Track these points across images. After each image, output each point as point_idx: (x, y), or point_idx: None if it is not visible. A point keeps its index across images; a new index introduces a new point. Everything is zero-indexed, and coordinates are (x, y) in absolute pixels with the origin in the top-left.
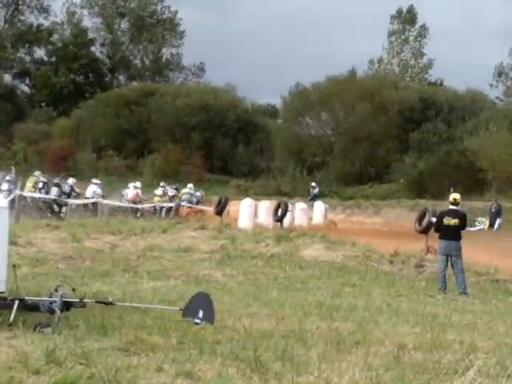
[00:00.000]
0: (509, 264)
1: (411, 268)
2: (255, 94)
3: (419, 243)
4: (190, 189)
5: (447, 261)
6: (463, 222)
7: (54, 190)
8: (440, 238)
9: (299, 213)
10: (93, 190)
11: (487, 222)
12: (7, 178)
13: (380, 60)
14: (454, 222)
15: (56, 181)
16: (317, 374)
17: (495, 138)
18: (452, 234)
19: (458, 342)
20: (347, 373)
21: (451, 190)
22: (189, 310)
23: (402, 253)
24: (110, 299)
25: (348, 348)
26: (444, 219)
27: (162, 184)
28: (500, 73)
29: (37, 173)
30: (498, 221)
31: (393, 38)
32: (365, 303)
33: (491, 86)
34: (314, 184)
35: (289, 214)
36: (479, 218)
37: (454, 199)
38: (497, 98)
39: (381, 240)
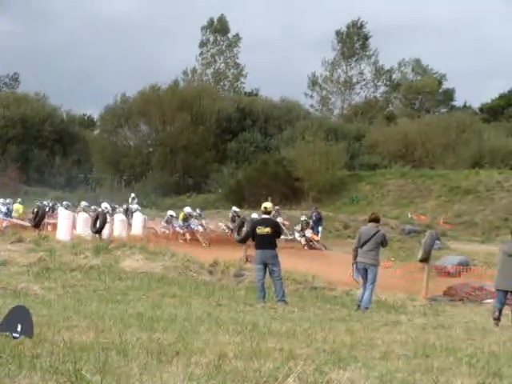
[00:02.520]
0: (326, 271)
1: (231, 277)
2: (73, 106)
3: (239, 252)
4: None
5: (264, 269)
6: (276, 230)
7: None
8: (255, 247)
9: (118, 224)
10: None
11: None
12: None
13: (193, 70)
14: (266, 230)
15: None
16: None
17: (311, 148)
18: (266, 243)
19: (278, 350)
20: (169, 383)
21: (269, 199)
22: (6, 325)
23: (221, 262)
24: None
25: (169, 358)
26: (257, 228)
27: None
28: (314, 83)
29: None
30: (319, 229)
31: (204, 49)
32: (185, 313)
33: (306, 95)
34: (133, 195)
35: (107, 226)
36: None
37: (265, 208)
38: (311, 106)
39: (200, 250)
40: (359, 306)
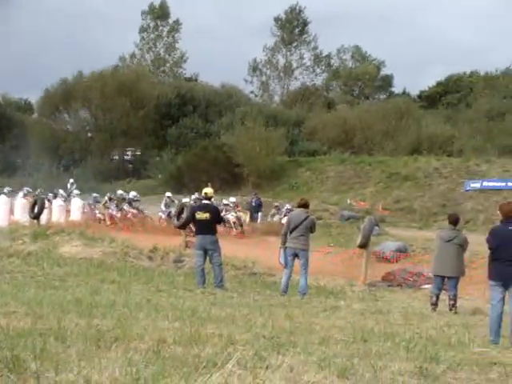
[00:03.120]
0: (266, 257)
1: (170, 263)
2: (10, 90)
3: (178, 238)
4: None
5: (205, 255)
6: (215, 215)
7: None
8: (196, 233)
9: (57, 209)
10: None
11: (247, 217)
12: None
13: (132, 56)
14: (205, 216)
15: None
16: (76, 371)
17: (251, 133)
18: (206, 229)
19: (217, 335)
20: (107, 369)
21: (209, 184)
22: None
23: (161, 248)
24: None
25: (108, 345)
26: (196, 214)
27: None
28: (254, 68)
29: None
30: (259, 214)
31: (145, 34)
32: (124, 299)
33: (246, 81)
34: (72, 181)
35: (46, 211)
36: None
37: (206, 193)
38: (251, 92)
39: (140, 236)
40: (284, 294)
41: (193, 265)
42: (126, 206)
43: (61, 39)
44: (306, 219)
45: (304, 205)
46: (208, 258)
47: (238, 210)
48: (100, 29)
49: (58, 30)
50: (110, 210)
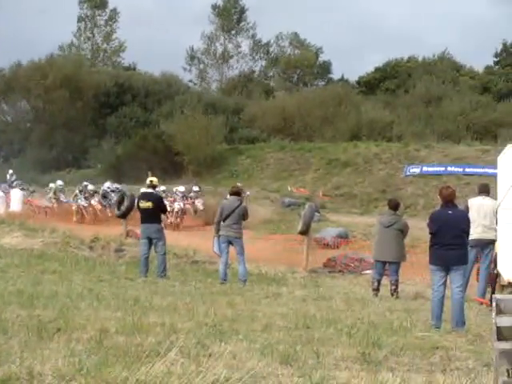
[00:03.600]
0: (206, 246)
1: (111, 253)
2: None
3: (119, 228)
4: None
5: (149, 244)
6: (158, 204)
7: None
8: (140, 221)
9: None
10: None
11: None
12: None
13: (71, 45)
14: (147, 204)
15: None
16: (19, 362)
17: (190, 122)
18: (149, 218)
19: (160, 325)
20: (50, 360)
21: (149, 173)
22: None
23: (102, 238)
24: None
25: (50, 335)
26: (139, 203)
27: None
28: (192, 57)
29: None
30: (200, 202)
31: (82, 24)
32: (66, 290)
33: (184, 69)
34: (11, 171)
35: None
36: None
37: (151, 181)
38: (190, 81)
39: (80, 226)
40: (223, 281)
41: (134, 254)
42: (94, 200)
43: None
44: (238, 207)
45: (236, 192)
46: (152, 246)
47: (188, 203)
48: (37, 19)
49: None
50: (80, 202)
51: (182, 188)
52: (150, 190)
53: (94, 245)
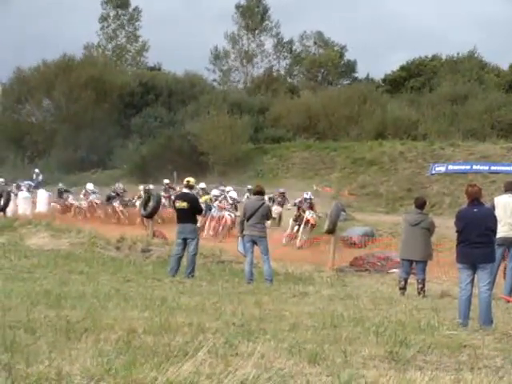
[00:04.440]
0: (233, 245)
1: (138, 253)
2: None
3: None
4: None
5: (184, 244)
6: (193, 205)
7: None
8: (177, 221)
9: (22, 201)
10: None
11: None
12: None
13: (97, 46)
14: (183, 205)
15: None
16: (47, 363)
17: (215, 122)
18: (185, 217)
19: (187, 324)
20: (78, 360)
21: (174, 174)
22: None
23: (128, 238)
24: None
25: (78, 335)
26: (176, 203)
27: None
28: (216, 56)
29: None
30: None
31: (105, 23)
32: (93, 290)
33: (208, 69)
34: (37, 171)
35: (12, 203)
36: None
37: (188, 181)
38: (214, 81)
39: (107, 226)
40: (250, 281)
41: (160, 254)
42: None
43: (20, 28)
44: (261, 206)
45: (259, 192)
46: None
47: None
48: (60, 18)
49: (17, 17)
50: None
51: (202, 185)
52: (187, 191)
53: (121, 245)
